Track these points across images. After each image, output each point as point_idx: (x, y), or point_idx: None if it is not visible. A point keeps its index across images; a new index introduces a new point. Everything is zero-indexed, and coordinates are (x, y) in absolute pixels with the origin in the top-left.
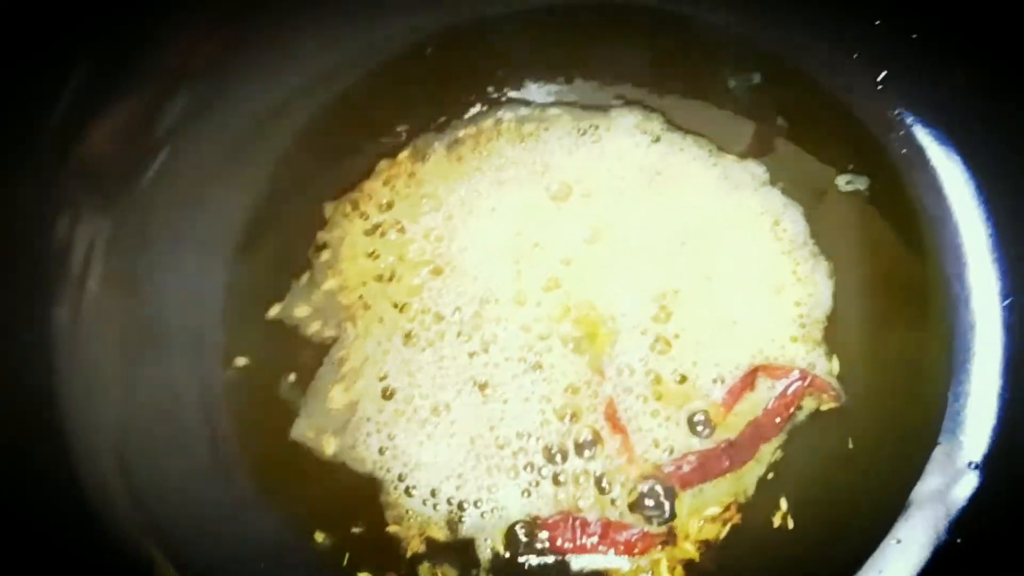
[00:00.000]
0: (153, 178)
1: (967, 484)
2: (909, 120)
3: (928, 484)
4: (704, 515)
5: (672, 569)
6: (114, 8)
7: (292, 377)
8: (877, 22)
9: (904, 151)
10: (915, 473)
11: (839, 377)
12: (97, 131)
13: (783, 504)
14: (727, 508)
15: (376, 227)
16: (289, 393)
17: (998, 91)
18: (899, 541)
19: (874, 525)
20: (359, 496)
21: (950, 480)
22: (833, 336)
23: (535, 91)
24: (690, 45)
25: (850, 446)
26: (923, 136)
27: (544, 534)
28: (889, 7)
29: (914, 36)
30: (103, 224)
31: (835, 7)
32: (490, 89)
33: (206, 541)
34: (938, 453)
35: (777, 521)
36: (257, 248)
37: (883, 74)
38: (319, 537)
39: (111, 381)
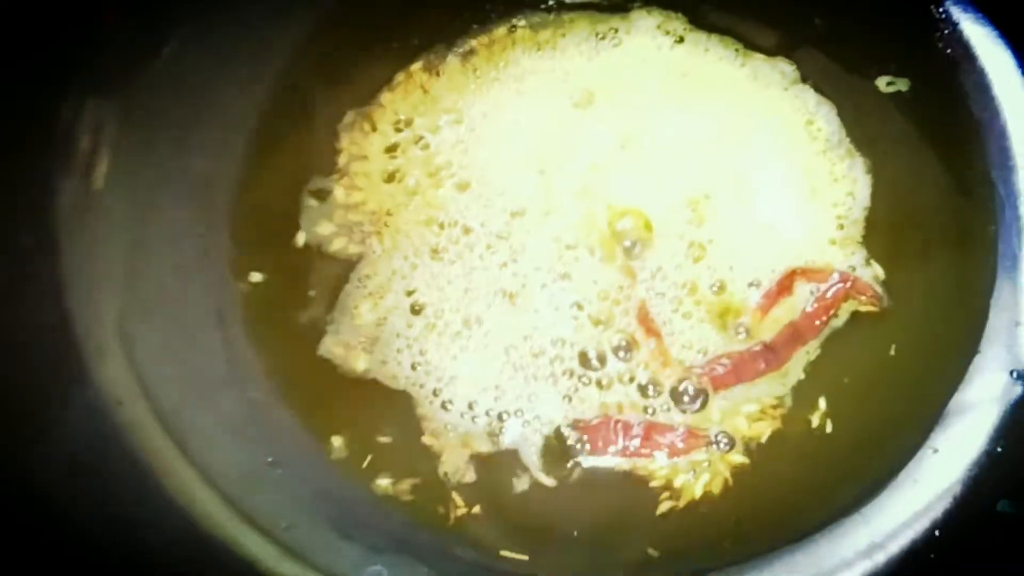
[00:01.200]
0: (160, 69)
1: (1009, 394)
2: (955, 16)
3: (968, 394)
4: (743, 413)
5: (714, 477)
6: None
7: (312, 293)
8: None
9: (949, 50)
10: (955, 381)
11: (879, 281)
12: (102, 13)
13: (822, 404)
14: (774, 406)
15: (396, 145)
16: (312, 310)
17: None
18: (936, 451)
19: (911, 433)
20: (390, 409)
21: (991, 390)
22: (873, 240)
23: None
24: None
25: (891, 352)
26: (971, 33)
27: (586, 437)
28: None
29: None
30: (109, 113)
31: None
32: None
33: (218, 440)
34: (979, 361)
35: (816, 421)
36: (269, 156)
37: None
38: (336, 442)
39: (117, 277)
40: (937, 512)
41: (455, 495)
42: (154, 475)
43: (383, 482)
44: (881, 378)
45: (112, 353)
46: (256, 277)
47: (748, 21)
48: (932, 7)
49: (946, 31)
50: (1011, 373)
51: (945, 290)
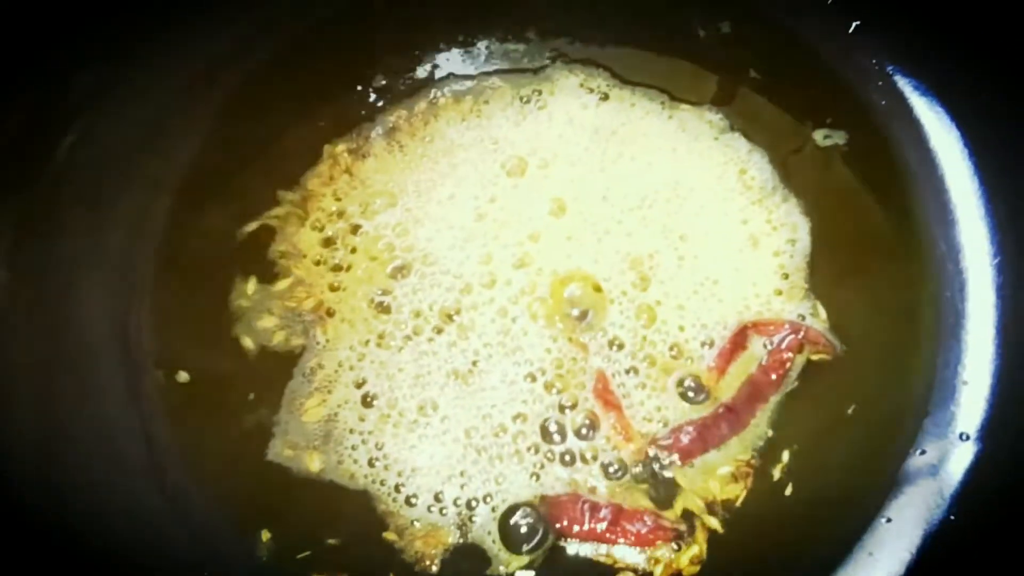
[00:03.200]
0: (65, 157)
1: (960, 457)
2: (889, 70)
3: (919, 458)
4: (719, 475)
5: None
6: None
7: (252, 396)
8: None
9: (884, 103)
10: (906, 445)
11: (829, 328)
12: None
13: (785, 458)
14: (746, 463)
15: (332, 239)
16: (253, 411)
17: (981, 36)
18: (889, 520)
19: (866, 500)
20: (347, 510)
21: (942, 453)
22: (817, 289)
23: (465, 61)
24: None
25: (849, 412)
26: (904, 87)
27: (553, 513)
28: None
29: None
30: (7, 208)
31: None
32: (415, 63)
33: (141, 559)
34: (928, 424)
35: (777, 475)
36: (187, 236)
37: (855, 24)
38: (264, 537)
39: (26, 382)
40: None
41: None
42: None
43: None
44: (837, 438)
45: (21, 462)
46: (184, 376)
47: (674, 73)
48: (865, 59)
49: (879, 83)
50: (961, 435)
51: (892, 346)
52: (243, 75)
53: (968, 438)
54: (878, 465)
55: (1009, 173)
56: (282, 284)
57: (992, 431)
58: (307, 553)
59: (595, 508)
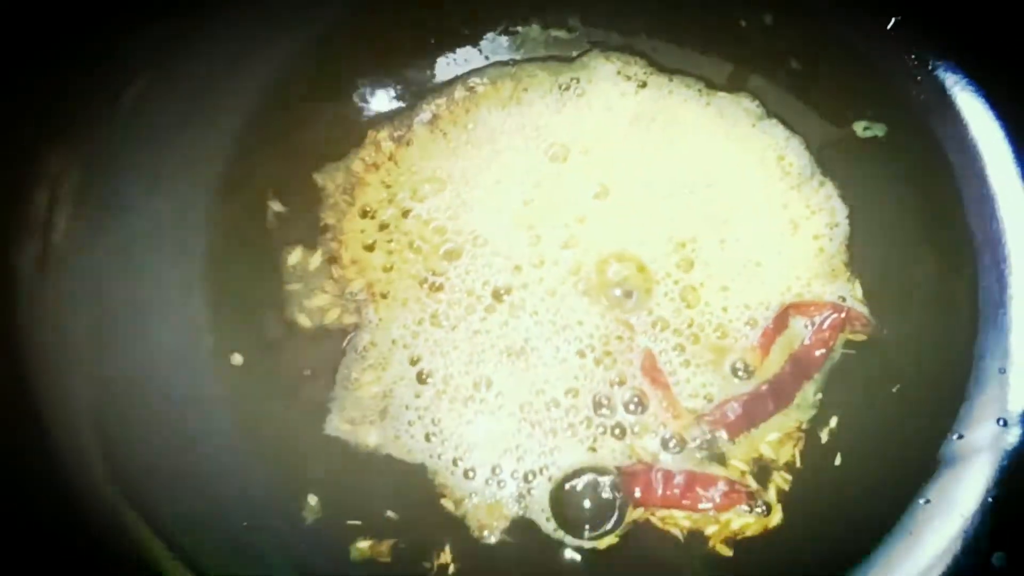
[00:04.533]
0: (125, 114)
1: (999, 443)
2: (929, 63)
3: (957, 442)
4: (768, 440)
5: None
6: None
7: (308, 372)
8: None
9: (924, 97)
10: (944, 429)
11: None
12: (60, 59)
13: (833, 423)
14: (796, 429)
15: (384, 225)
16: (309, 385)
17: (1022, 30)
18: (928, 501)
19: (905, 482)
20: (402, 481)
21: (980, 438)
22: (856, 271)
23: (509, 48)
24: None
25: (894, 391)
26: (945, 80)
27: (629, 483)
28: None
29: None
30: (69, 162)
31: None
32: (451, 50)
33: (198, 524)
34: (967, 409)
35: (825, 437)
36: (235, 210)
37: (895, 19)
38: (312, 500)
39: (84, 337)
40: (933, 566)
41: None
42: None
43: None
44: (883, 414)
45: (77, 416)
46: (238, 359)
47: (711, 61)
48: (905, 52)
49: (919, 77)
50: (999, 421)
51: (931, 331)
52: (286, 56)
53: (1007, 424)
54: (919, 446)
55: None
56: (331, 261)
57: None
58: (358, 522)
59: (668, 476)
